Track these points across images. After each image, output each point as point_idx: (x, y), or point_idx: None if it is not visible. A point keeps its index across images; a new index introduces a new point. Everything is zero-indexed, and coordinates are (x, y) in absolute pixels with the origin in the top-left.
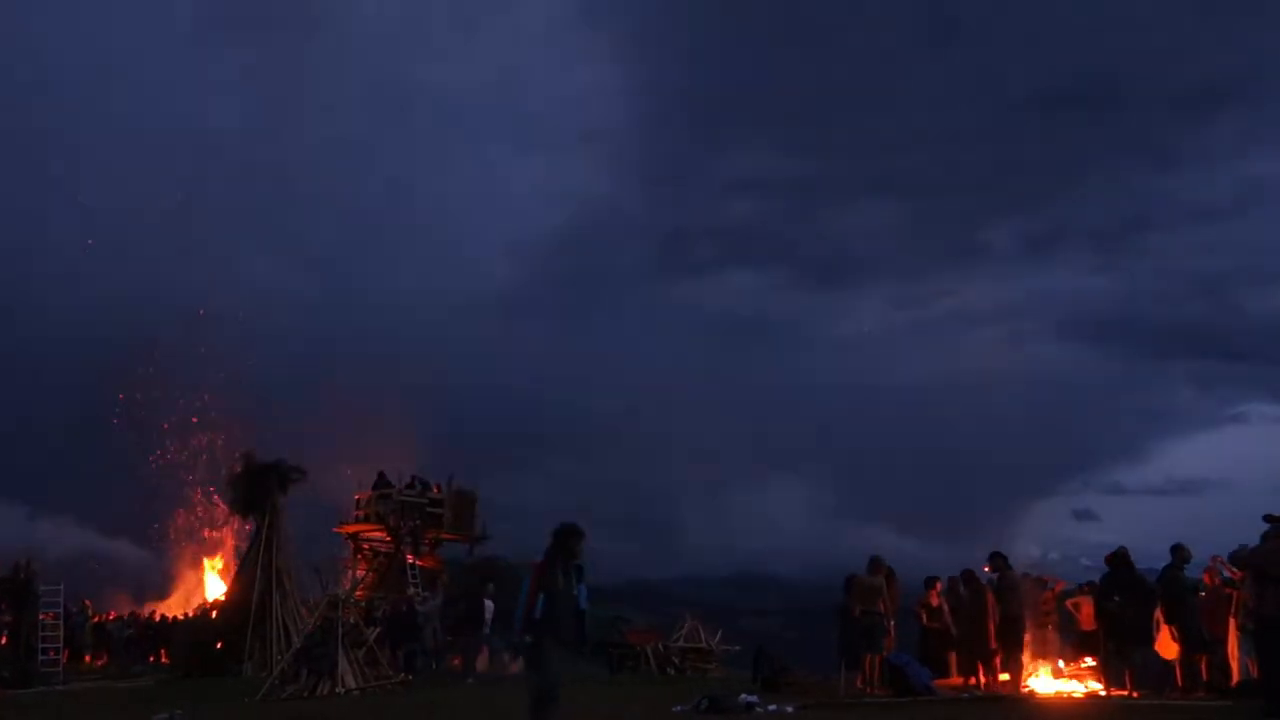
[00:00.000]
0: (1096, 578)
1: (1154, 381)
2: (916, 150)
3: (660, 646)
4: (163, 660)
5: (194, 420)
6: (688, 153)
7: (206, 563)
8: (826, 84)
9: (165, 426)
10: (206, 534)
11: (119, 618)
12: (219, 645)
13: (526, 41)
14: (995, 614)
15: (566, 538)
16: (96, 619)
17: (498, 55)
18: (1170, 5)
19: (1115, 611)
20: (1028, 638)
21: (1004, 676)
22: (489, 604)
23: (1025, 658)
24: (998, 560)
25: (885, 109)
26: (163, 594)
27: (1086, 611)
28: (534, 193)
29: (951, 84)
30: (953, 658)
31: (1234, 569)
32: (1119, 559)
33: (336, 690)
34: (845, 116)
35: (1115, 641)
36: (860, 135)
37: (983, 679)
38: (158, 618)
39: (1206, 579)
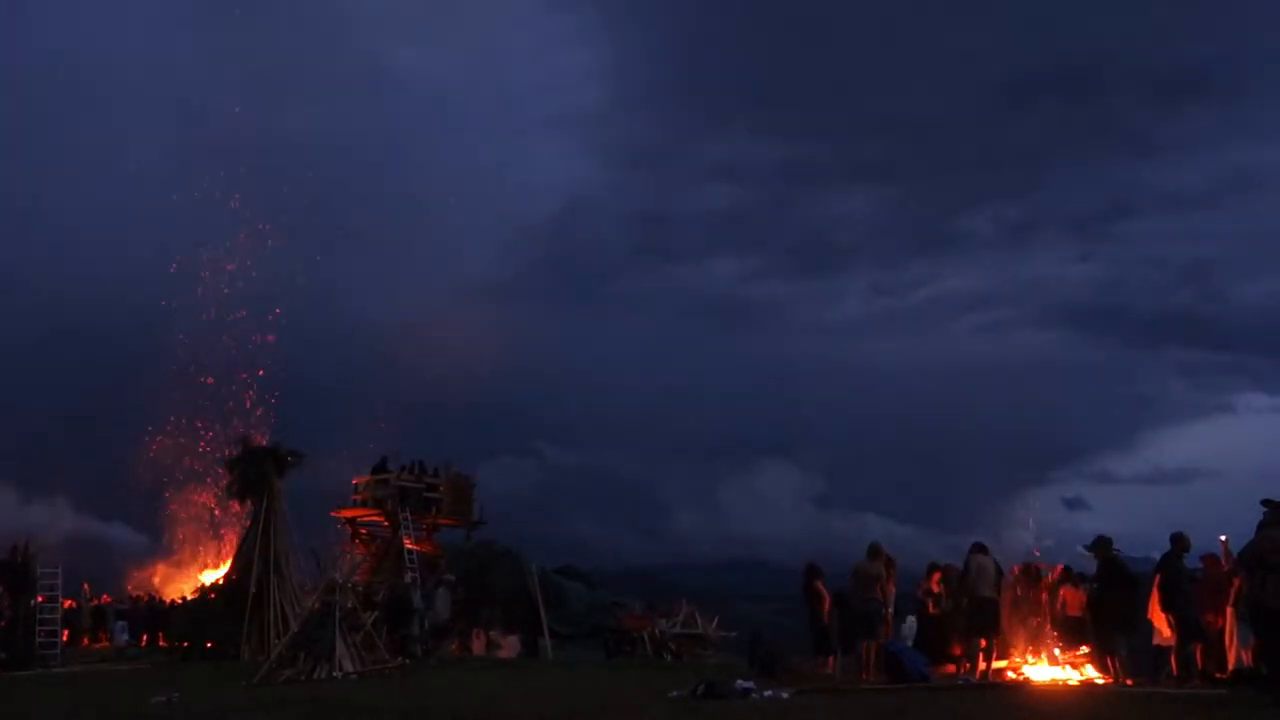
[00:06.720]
0: (1087, 566)
1: (1141, 370)
2: (897, 136)
3: (656, 632)
4: (160, 643)
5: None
6: (667, 138)
7: (204, 547)
8: (806, 70)
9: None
10: (205, 517)
11: (116, 601)
12: (217, 628)
13: (503, 24)
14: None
15: None
16: (95, 602)
17: (473, 38)
18: None
19: (1095, 598)
20: (1020, 625)
21: (999, 663)
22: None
23: (1018, 645)
24: (974, 546)
25: (865, 95)
26: (161, 577)
27: (1071, 599)
28: (510, 178)
29: (931, 70)
30: (955, 646)
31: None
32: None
33: (334, 674)
34: (825, 103)
35: (1098, 628)
36: (840, 121)
37: (966, 665)
38: (156, 600)
39: (1224, 563)
